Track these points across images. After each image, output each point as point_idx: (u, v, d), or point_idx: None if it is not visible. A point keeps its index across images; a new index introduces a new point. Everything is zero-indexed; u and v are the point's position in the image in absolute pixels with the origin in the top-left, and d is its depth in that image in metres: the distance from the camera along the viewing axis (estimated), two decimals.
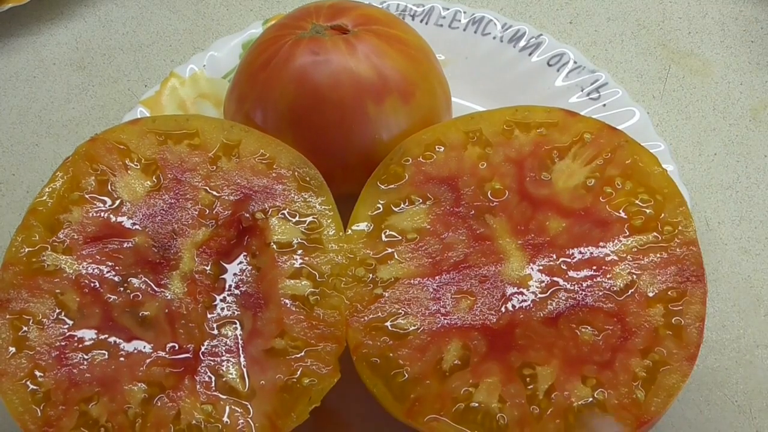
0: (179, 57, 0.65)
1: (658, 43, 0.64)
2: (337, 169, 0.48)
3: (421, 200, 0.45)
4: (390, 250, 0.44)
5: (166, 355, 0.41)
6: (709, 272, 0.52)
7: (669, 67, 0.62)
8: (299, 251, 0.44)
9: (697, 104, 0.60)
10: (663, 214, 0.43)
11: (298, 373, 0.41)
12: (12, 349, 0.41)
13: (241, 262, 0.44)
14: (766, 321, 0.50)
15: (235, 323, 0.42)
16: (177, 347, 0.42)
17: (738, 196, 0.55)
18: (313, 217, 0.45)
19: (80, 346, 0.42)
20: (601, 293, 0.41)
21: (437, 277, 0.43)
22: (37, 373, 0.41)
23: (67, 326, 0.42)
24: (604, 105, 0.55)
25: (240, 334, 0.42)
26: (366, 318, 0.42)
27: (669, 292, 0.41)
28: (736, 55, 0.62)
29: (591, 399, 0.39)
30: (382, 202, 0.46)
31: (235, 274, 0.44)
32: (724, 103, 0.60)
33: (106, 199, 0.45)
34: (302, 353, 0.41)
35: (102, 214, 0.45)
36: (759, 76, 0.61)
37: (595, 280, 0.42)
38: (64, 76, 0.64)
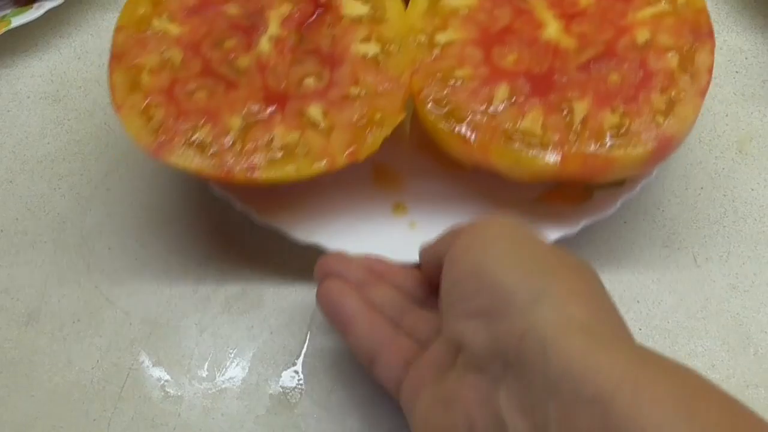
0: None
1: None
2: None
3: None
4: (445, 22, 0.51)
5: (260, 95, 0.49)
6: (697, 310, 0.51)
7: None
8: (368, 23, 0.51)
9: None
10: None
11: (371, 111, 0.48)
12: (128, 91, 0.49)
13: (319, 31, 0.51)
14: (756, 360, 0.49)
15: (316, 75, 0.50)
16: (268, 91, 0.49)
17: (725, 231, 0.54)
18: None
19: (185, 88, 0.49)
20: (625, 46, 0.49)
21: (487, 40, 0.51)
22: (151, 105, 0.48)
23: (173, 74, 0.50)
24: None
25: (320, 84, 0.49)
26: (427, 69, 0.50)
27: (683, 45, 0.49)
28: (721, 86, 0.61)
29: (619, 123, 0.47)
30: None
31: (313, 40, 0.51)
32: (710, 135, 0.59)
33: None
34: (374, 97, 0.49)
35: None
36: (745, 108, 0.60)
37: (621, 38, 0.50)
38: (39, 109, 0.62)
